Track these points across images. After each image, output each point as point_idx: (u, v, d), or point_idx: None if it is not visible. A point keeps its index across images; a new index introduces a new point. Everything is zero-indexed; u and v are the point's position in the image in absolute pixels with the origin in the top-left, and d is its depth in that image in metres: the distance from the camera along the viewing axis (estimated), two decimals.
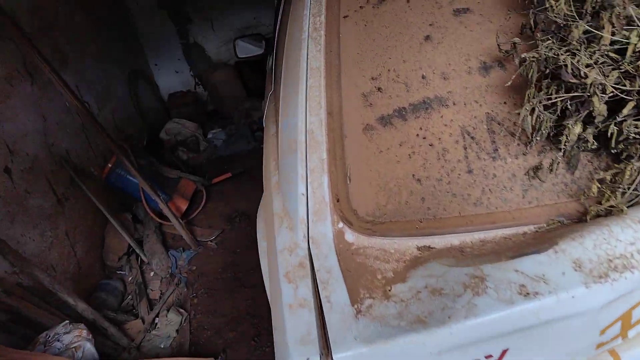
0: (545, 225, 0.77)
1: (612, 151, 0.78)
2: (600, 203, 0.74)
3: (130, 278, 2.68)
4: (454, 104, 0.93)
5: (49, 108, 2.42)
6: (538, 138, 0.81)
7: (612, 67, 0.74)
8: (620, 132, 0.73)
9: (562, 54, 0.77)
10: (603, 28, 0.75)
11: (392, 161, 0.90)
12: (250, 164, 3.68)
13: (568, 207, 0.79)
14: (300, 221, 0.85)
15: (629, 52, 0.73)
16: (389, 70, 1.01)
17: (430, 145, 0.89)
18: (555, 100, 0.78)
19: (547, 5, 0.84)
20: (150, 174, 3.11)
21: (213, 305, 2.47)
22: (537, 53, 0.80)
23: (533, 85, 0.81)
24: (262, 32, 3.18)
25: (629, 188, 0.72)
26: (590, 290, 0.62)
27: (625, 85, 0.72)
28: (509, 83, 0.86)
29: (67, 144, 2.56)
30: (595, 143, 0.77)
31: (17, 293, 1.82)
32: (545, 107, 0.79)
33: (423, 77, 0.98)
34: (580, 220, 0.76)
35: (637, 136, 0.72)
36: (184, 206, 3.13)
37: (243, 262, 2.76)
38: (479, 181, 0.84)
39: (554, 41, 0.81)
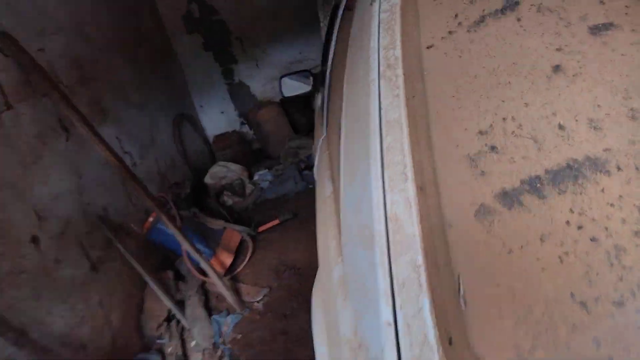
0: None
1: None
2: None
3: (170, 349, 2.38)
4: (619, 168, 0.53)
5: (86, 164, 2.26)
6: None
7: None
8: None
9: None
10: None
11: (532, 269, 0.51)
12: (297, 207, 3.49)
13: None
14: None
15: None
16: (504, 118, 0.64)
17: (593, 241, 0.49)
18: None
19: None
20: (193, 226, 2.87)
21: None
22: None
23: None
24: (308, 67, 3.00)
25: None
26: None
27: None
28: None
29: (105, 200, 2.38)
30: None
31: None
32: None
33: (560, 126, 0.59)
34: None
35: None
36: (228, 261, 2.83)
37: (293, 329, 2.39)
38: None
39: None
